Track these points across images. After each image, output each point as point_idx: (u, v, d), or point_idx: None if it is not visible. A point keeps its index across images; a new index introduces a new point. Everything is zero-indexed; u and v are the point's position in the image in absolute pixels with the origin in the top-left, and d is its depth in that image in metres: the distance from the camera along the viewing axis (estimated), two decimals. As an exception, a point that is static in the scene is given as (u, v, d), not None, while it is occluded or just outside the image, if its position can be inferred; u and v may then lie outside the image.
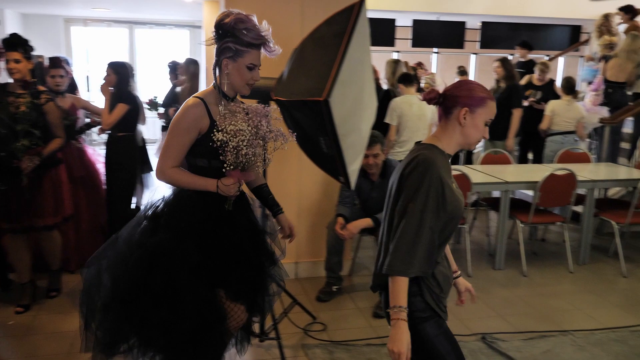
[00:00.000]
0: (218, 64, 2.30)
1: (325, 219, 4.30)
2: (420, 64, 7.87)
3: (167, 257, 2.27)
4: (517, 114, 5.90)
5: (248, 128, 2.23)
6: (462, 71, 7.55)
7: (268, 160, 2.35)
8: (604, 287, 4.53)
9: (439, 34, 9.69)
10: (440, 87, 7.61)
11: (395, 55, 8.77)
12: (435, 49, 10.00)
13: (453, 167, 5.24)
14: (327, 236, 4.14)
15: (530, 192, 5.02)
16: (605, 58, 6.73)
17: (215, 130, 2.23)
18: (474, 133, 1.95)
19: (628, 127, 6.79)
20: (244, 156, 2.24)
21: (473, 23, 9.97)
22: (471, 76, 9.94)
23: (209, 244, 2.34)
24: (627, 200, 4.95)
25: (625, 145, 6.75)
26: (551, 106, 6.05)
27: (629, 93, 6.62)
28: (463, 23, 9.80)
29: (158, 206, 2.41)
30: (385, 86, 6.28)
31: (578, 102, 6.28)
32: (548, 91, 6.60)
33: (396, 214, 1.89)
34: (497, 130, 5.84)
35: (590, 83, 6.98)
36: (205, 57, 7.55)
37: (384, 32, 9.01)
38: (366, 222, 3.92)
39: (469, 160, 6.95)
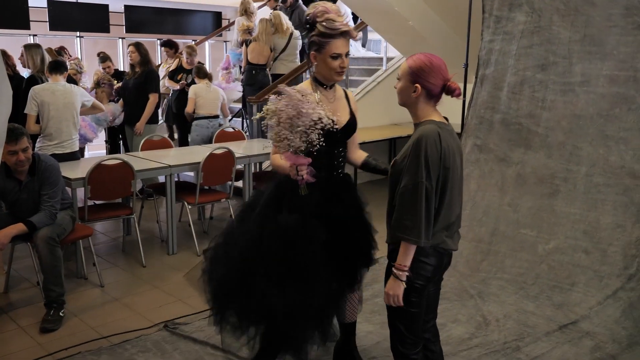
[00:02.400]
0: (308, 56, 2.47)
1: (-36, 233, 3.61)
2: (63, 49, 7.22)
3: (301, 234, 2.39)
4: (153, 99, 5.84)
5: (288, 109, 2.21)
6: (104, 57, 7.20)
7: (319, 144, 2.27)
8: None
9: (80, 17, 9.05)
10: (89, 74, 7.15)
11: (31, 39, 7.87)
12: (78, 33, 9.32)
13: (114, 156, 4.99)
14: (-31, 252, 3.49)
15: (193, 174, 5.10)
16: (246, 42, 7.23)
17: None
18: None
19: (272, 105, 7.47)
20: (290, 139, 2.25)
21: (116, 7, 9.61)
22: (120, 61, 9.61)
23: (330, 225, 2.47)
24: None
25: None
26: (193, 89, 6.27)
27: (270, 74, 7.27)
28: (106, 6, 9.36)
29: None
30: (26, 73, 5.58)
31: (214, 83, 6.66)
32: (197, 74, 6.78)
33: None
34: (135, 114, 5.72)
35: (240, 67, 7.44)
36: None
37: (15, 13, 7.93)
38: (18, 227, 3.45)
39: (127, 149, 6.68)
